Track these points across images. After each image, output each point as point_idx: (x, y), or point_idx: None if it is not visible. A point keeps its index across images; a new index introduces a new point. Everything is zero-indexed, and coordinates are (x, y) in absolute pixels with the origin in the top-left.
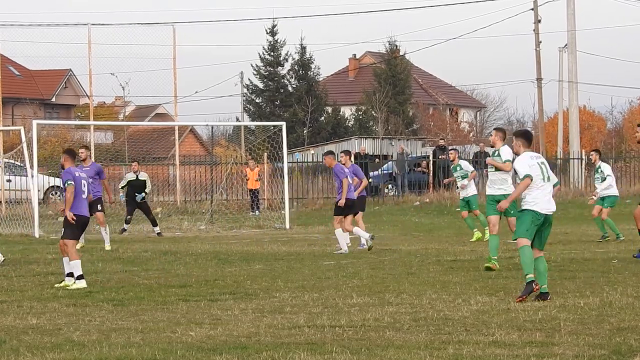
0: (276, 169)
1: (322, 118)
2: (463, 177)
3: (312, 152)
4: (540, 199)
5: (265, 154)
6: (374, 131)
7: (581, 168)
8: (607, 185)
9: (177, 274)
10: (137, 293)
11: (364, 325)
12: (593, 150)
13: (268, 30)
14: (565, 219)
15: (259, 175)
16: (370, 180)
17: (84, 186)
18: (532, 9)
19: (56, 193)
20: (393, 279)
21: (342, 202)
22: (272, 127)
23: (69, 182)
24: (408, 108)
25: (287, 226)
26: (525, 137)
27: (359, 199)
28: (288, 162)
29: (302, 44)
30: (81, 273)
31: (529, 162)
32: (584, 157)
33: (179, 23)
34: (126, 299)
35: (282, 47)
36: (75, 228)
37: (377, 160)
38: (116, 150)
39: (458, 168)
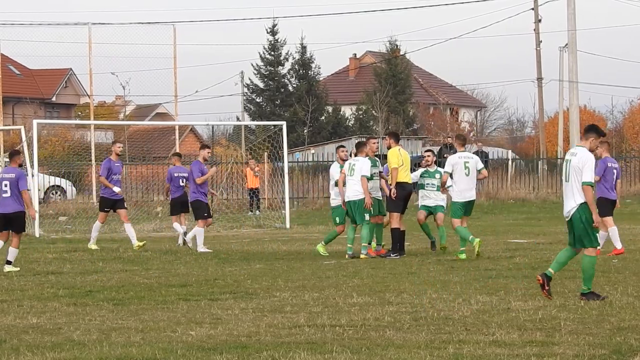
0: (276, 169)
1: (323, 117)
2: (439, 187)
3: (313, 151)
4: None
5: (266, 153)
6: (375, 131)
7: None
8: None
9: (177, 274)
10: (138, 292)
11: (364, 325)
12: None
13: (268, 30)
14: None
15: (255, 172)
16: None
17: (5, 186)
18: (532, 9)
19: (57, 192)
20: (393, 278)
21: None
22: (273, 127)
23: None
24: (408, 107)
25: (288, 226)
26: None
27: None
28: (288, 162)
29: (302, 44)
30: None
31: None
32: None
33: (179, 22)
34: (126, 299)
35: (282, 46)
36: None
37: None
38: None
39: (437, 175)
